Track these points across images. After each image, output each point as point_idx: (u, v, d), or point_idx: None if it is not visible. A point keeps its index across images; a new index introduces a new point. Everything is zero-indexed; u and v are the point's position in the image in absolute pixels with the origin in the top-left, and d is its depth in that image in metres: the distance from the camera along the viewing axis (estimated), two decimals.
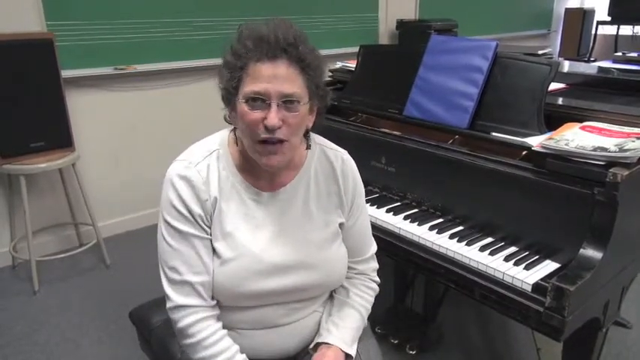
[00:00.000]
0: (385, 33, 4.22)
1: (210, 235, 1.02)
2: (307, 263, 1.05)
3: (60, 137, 2.43)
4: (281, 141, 0.94)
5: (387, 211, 1.57)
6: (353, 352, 1.09)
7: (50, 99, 2.37)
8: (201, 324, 1.00)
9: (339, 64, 2.31)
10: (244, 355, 1.02)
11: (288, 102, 0.93)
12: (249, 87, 0.93)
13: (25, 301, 2.33)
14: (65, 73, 2.48)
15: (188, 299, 0.99)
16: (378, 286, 1.21)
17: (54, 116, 2.40)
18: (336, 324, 1.10)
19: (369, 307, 1.18)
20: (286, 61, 0.93)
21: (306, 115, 0.98)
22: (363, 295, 1.16)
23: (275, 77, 0.92)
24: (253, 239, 1.03)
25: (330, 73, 2.31)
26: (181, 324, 0.99)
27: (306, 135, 1.06)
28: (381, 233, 1.50)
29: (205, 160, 1.02)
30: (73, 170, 2.51)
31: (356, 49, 2.02)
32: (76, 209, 2.78)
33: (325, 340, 1.07)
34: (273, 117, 0.91)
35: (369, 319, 1.19)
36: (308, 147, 1.08)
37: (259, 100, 0.92)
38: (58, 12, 2.51)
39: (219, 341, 1.00)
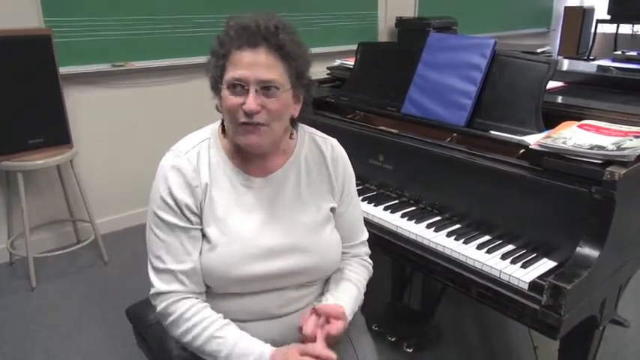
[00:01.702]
0: (384, 30, 4.21)
1: (200, 224, 1.04)
2: (300, 246, 1.06)
3: (58, 134, 2.43)
4: (259, 124, 0.97)
5: (385, 209, 1.57)
6: (349, 318, 1.09)
7: (48, 95, 2.37)
8: (178, 304, 1.02)
9: (337, 62, 2.30)
10: (228, 320, 1.03)
11: (266, 88, 0.96)
12: (230, 74, 0.97)
13: (23, 297, 2.33)
14: (63, 70, 2.47)
15: (169, 286, 1.02)
16: (373, 269, 1.23)
17: (52, 113, 2.40)
18: (335, 296, 1.11)
19: (364, 283, 1.20)
20: (265, 49, 0.96)
21: (289, 103, 1.01)
22: (359, 271, 1.19)
23: (254, 64, 0.95)
24: (245, 224, 1.04)
25: (329, 71, 2.31)
26: (160, 307, 1.03)
27: (292, 124, 1.10)
28: (378, 231, 1.50)
29: (195, 148, 1.05)
30: (71, 167, 2.50)
31: (355, 47, 2.02)
32: (74, 206, 2.78)
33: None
34: (251, 102, 0.95)
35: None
36: (290, 136, 1.11)
37: (239, 86, 0.96)
38: (56, 8, 2.50)
39: (198, 313, 1.02)
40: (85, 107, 2.72)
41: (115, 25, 2.72)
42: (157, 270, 1.03)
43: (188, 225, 1.02)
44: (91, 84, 2.74)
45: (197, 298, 1.04)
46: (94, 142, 2.80)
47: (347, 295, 1.12)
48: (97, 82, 2.76)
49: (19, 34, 2.27)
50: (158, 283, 1.03)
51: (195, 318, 1.01)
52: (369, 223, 1.38)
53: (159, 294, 1.03)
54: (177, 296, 1.02)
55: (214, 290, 1.06)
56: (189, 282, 1.03)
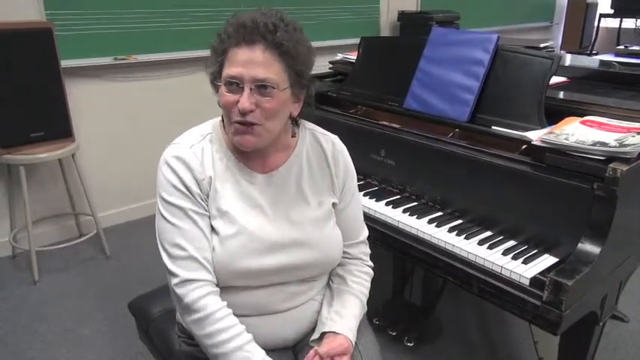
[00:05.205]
0: (386, 24, 4.20)
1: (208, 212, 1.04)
2: (303, 241, 1.07)
3: (59, 127, 2.43)
4: (253, 124, 0.97)
5: (387, 204, 1.57)
6: (354, 341, 1.10)
7: (50, 89, 2.36)
8: (207, 299, 0.99)
9: (339, 56, 2.30)
10: (251, 335, 1.01)
11: (261, 87, 0.95)
12: (226, 71, 0.97)
13: (25, 291, 2.34)
14: (65, 63, 2.47)
15: (195, 273, 0.99)
16: (373, 270, 1.22)
17: (53, 106, 2.39)
18: (340, 313, 1.10)
19: (367, 292, 1.19)
20: (262, 46, 0.95)
21: (286, 102, 1.01)
22: (361, 281, 1.18)
23: (250, 62, 0.95)
24: (249, 218, 1.04)
25: (331, 65, 2.31)
26: (188, 299, 0.98)
27: (294, 122, 1.10)
28: (379, 226, 1.50)
29: (200, 143, 1.05)
30: (73, 160, 2.50)
31: (357, 41, 2.01)
32: (76, 199, 2.78)
33: (332, 329, 1.08)
34: (244, 101, 0.95)
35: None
36: (293, 134, 1.11)
37: (235, 84, 0.96)
38: (57, 1, 2.49)
39: (227, 317, 1.00)
40: (87, 101, 2.72)
41: (117, 18, 2.71)
42: (177, 258, 1.00)
43: (203, 211, 1.02)
44: (93, 77, 2.73)
45: (223, 301, 1.02)
46: (96, 136, 2.80)
47: (352, 312, 1.11)
48: (99, 75, 2.75)
49: (20, 28, 2.26)
50: (181, 271, 0.99)
51: (224, 322, 0.99)
52: (370, 219, 1.38)
53: (185, 282, 0.98)
54: (205, 288, 0.99)
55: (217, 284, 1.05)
56: (212, 270, 1.01)
